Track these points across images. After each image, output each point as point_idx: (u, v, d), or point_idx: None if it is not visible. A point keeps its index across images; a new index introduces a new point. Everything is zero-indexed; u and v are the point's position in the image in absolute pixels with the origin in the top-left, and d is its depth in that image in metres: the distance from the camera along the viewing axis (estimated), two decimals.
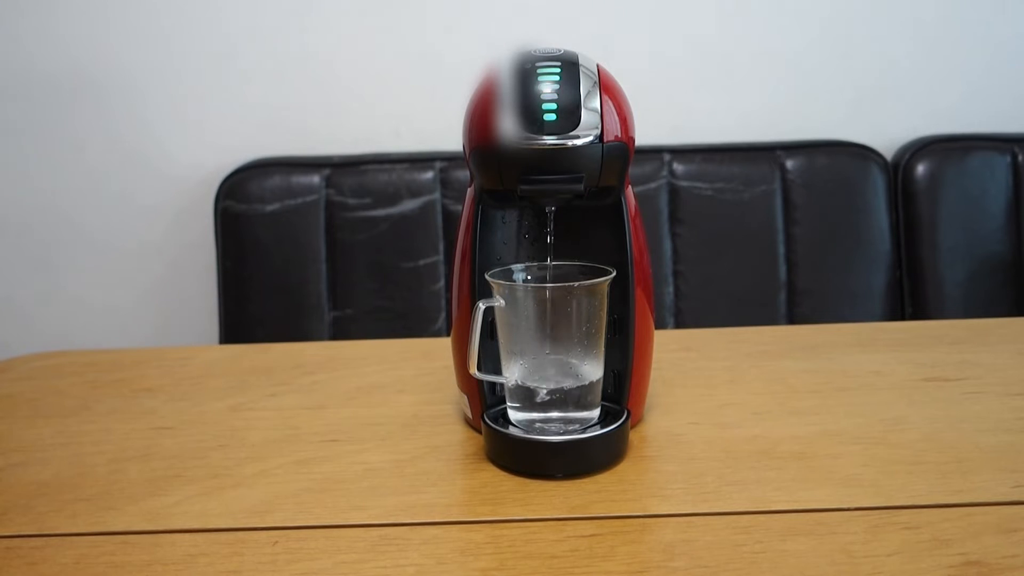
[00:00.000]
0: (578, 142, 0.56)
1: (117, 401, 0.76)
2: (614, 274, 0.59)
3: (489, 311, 0.59)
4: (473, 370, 0.59)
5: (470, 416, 0.66)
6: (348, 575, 0.47)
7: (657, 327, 0.67)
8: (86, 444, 0.66)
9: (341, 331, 1.32)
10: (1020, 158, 1.35)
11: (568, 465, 0.58)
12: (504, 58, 0.59)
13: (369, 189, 1.32)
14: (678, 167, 1.34)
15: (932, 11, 1.42)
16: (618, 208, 0.62)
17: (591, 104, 0.57)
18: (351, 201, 1.32)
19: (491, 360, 0.63)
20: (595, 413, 0.61)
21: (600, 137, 0.57)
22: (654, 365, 0.66)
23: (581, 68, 0.58)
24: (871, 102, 1.43)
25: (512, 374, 0.60)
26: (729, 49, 1.42)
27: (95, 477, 0.61)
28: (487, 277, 0.59)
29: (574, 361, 0.59)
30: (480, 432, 0.63)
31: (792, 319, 1.33)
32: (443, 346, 0.74)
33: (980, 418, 0.66)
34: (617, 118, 0.58)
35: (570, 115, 0.56)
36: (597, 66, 0.60)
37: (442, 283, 1.32)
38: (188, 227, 1.43)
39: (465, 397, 0.65)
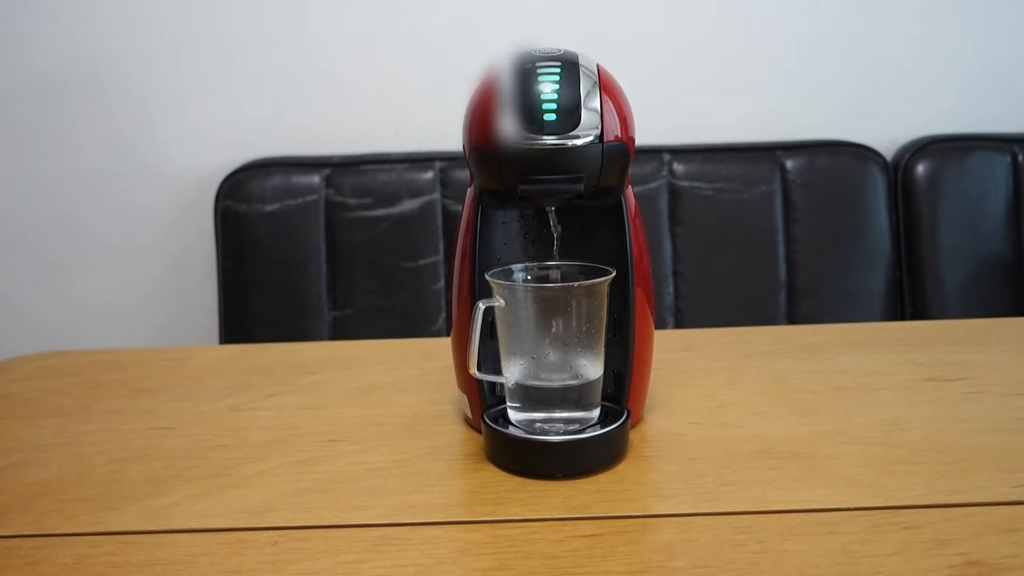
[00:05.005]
0: (578, 142, 0.56)
1: (117, 401, 0.76)
2: (614, 274, 0.59)
3: (489, 311, 0.59)
4: (473, 370, 0.59)
5: (470, 416, 0.66)
6: (348, 575, 0.47)
7: (657, 327, 0.67)
8: (86, 444, 0.66)
9: (341, 331, 1.32)
10: (1020, 158, 1.35)
11: (568, 465, 0.58)
12: (504, 58, 0.59)
13: (369, 189, 1.32)
14: (678, 167, 1.34)
15: (932, 11, 1.42)
16: (618, 208, 0.62)
17: (591, 104, 0.57)
18: (351, 201, 1.32)
19: (491, 360, 0.63)
20: (595, 413, 0.61)
21: (600, 137, 0.57)
22: (654, 365, 0.66)
23: (581, 68, 0.58)
24: (871, 102, 1.43)
25: (512, 374, 0.60)
26: (729, 49, 1.42)
27: (95, 477, 0.60)
28: (487, 277, 0.59)
29: (574, 361, 0.59)
30: (480, 432, 0.63)
31: (792, 319, 1.33)
32: (443, 346, 0.74)
33: (980, 418, 0.66)
34: (617, 118, 0.58)
35: (570, 115, 0.56)
36: (597, 66, 0.60)
37: (442, 283, 1.32)
38: (188, 227, 1.43)
39: (465, 397, 0.65)
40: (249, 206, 1.32)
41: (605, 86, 0.58)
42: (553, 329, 0.58)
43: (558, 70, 0.57)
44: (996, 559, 0.46)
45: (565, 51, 0.59)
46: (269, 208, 1.32)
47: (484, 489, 0.57)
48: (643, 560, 0.48)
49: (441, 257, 1.32)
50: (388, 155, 1.36)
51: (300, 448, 0.64)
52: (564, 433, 0.58)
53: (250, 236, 1.32)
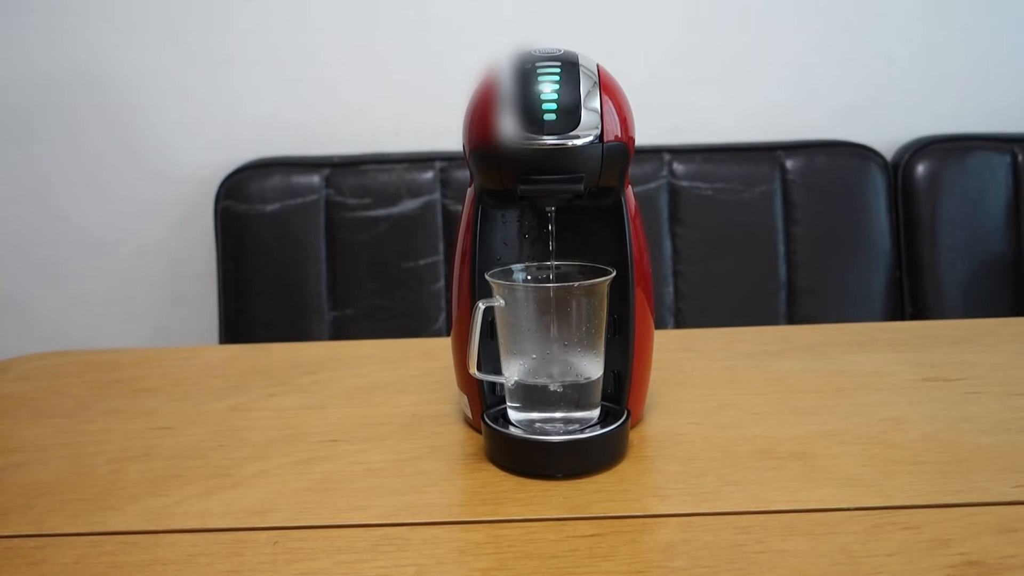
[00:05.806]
0: (578, 142, 0.56)
1: (117, 401, 0.76)
2: (614, 274, 0.59)
3: (489, 311, 0.59)
4: (473, 370, 0.59)
5: (470, 416, 0.66)
6: (348, 575, 0.47)
7: (657, 327, 0.67)
8: (86, 444, 0.66)
9: (341, 331, 1.32)
10: (1020, 158, 1.35)
11: (568, 465, 0.58)
12: (504, 58, 0.59)
13: (369, 189, 1.32)
14: (678, 167, 1.34)
15: (931, 11, 1.42)
16: (618, 208, 0.62)
17: (591, 104, 0.57)
18: (351, 201, 1.32)
19: (491, 360, 0.63)
20: (595, 413, 0.61)
21: (600, 137, 0.57)
22: (654, 365, 0.66)
23: (581, 68, 0.58)
24: (871, 102, 1.43)
25: (512, 374, 0.60)
26: (729, 49, 1.42)
27: (95, 477, 0.60)
28: (487, 277, 0.59)
29: (574, 361, 0.59)
30: (480, 432, 0.63)
31: (792, 319, 1.33)
32: (443, 346, 0.74)
33: (980, 418, 0.66)
34: (617, 118, 0.58)
35: (570, 115, 0.56)
36: (597, 66, 0.60)
37: (442, 283, 1.32)
38: (188, 227, 1.43)
39: (465, 397, 0.65)
40: (249, 206, 1.32)
41: (605, 86, 0.58)
42: (553, 329, 0.58)
43: (558, 70, 0.57)
44: (996, 559, 0.46)
45: (565, 51, 0.59)
46: (269, 208, 1.32)
47: (484, 489, 0.57)
48: (643, 560, 0.48)
49: (441, 257, 1.32)
50: (388, 155, 1.36)
51: (300, 448, 0.64)
52: (564, 433, 0.58)
53: (250, 236, 1.32)
